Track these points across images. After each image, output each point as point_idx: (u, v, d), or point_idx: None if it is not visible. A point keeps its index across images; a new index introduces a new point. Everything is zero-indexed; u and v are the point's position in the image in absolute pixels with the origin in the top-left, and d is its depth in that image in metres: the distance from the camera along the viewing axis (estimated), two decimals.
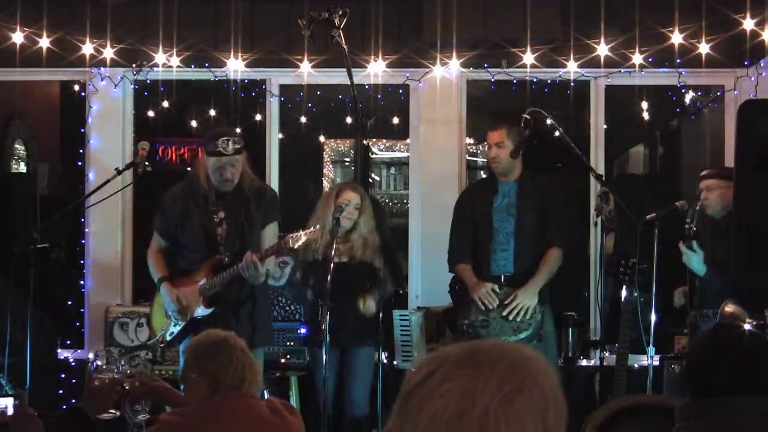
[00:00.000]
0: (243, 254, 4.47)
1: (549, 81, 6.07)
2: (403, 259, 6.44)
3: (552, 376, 1.26)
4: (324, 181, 8.83)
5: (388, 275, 5.00)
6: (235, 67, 6.01)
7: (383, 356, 5.32)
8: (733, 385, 2.20)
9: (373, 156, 8.97)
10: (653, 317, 4.66)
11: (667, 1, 5.77)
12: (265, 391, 4.33)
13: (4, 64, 6.12)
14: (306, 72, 6.02)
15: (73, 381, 5.95)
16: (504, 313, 4.84)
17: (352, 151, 8.81)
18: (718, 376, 2.23)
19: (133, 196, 6.21)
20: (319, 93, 6.30)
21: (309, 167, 8.77)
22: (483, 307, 4.87)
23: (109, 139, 6.19)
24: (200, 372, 2.89)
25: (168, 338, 4.66)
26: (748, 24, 5.75)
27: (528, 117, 4.85)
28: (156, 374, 4.50)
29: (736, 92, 5.96)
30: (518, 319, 4.83)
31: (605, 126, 6.18)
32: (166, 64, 6.02)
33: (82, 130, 6.22)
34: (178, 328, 4.62)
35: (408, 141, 6.75)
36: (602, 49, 5.86)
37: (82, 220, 6.18)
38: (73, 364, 6.09)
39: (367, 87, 5.98)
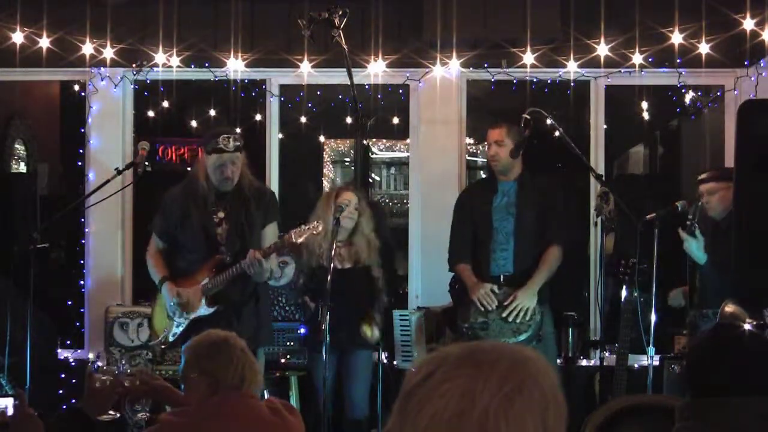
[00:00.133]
0: (244, 254, 4.47)
1: (549, 81, 6.07)
2: (402, 259, 6.46)
3: (552, 376, 1.26)
4: (324, 181, 8.83)
5: (384, 285, 5.04)
6: (235, 67, 6.01)
7: (383, 356, 5.33)
8: (733, 385, 2.20)
9: (373, 156, 8.97)
10: (653, 317, 4.66)
11: (667, 1, 5.77)
12: (265, 391, 4.33)
13: (4, 64, 6.12)
14: (306, 72, 6.02)
15: (73, 381, 5.95)
16: (503, 315, 4.84)
17: (352, 151, 8.80)
18: (718, 376, 2.23)
19: (133, 196, 6.21)
20: (319, 93, 6.31)
21: (309, 167, 8.77)
22: (482, 308, 4.87)
23: (109, 139, 6.19)
24: (200, 372, 2.89)
25: (171, 339, 4.66)
26: (748, 24, 5.75)
27: (528, 117, 4.85)
28: (156, 374, 4.50)
29: (736, 92, 5.96)
30: (518, 321, 4.83)
31: (605, 126, 6.18)
32: (166, 64, 6.02)
33: (82, 130, 6.22)
34: (181, 328, 4.62)
35: (408, 141, 6.75)
36: (602, 49, 5.86)
37: (82, 220, 6.18)
38: (73, 364, 6.09)
39: (367, 87, 5.98)
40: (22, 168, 7.67)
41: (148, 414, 3.23)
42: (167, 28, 5.96)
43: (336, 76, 5.79)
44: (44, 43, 6.00)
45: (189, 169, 5.56)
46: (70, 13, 6.04)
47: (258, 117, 6.45)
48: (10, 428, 2.61)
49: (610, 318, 5.16)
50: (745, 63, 5.89)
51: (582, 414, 2.76)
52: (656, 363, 4.77)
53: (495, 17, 5.78)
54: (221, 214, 4.61)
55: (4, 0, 6.03)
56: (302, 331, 5.38)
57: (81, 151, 6.24)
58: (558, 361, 5.50)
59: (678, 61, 5.85)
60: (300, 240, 4.40)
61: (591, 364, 5.78)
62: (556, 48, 5.91)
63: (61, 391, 5.89)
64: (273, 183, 6.21)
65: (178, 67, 6.04)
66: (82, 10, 6.00)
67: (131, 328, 5.74)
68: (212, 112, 7.40)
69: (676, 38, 5.81)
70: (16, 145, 7.62)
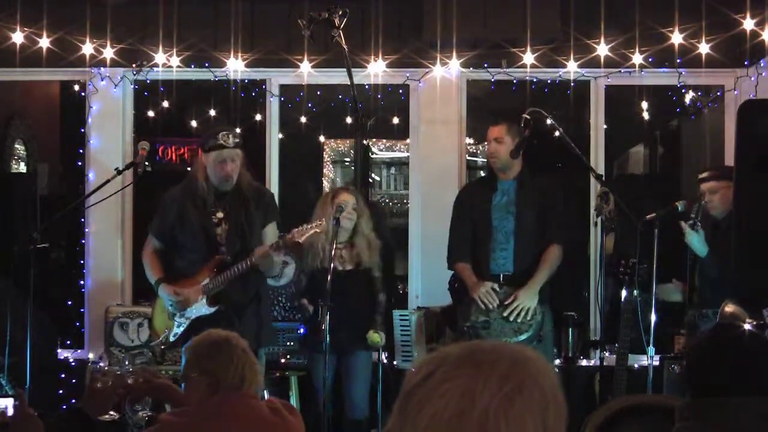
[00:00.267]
0: (244, 254, 4.48)
1: (549, 81, 6.07)
2: (402, 259, 6.46)
3: (552, 376, 1.26)
4: (324, 181, 8.83)
5: (382, 287, 5.05)
6: (235, 67, 6.01)
7: (383, 356, 5.33)
8: (733, 385, 2.20)
9: (373, 156, 8.97)
10: (653, 317, 4.66)
11: (667, 1, 5.77)
12: (265, 392, 4.34)
13: (4, 64, 6.12)
14: (306, 72, 6.02)
15: (73, 381, 5.96)
16: (505, 314, 4.83)
17: (352, 151, 8.80)
18: (718, 376, 2.23)
19: (133, 196, 6.21)
20: (319, 93, 6.31)
21: (309, 167, 8.77)
22: (483, 307, 4.87)
23: (109, 139, 6.19)
24: (201, 371, 2.88)
25: (171, 339, 4.67)
26: (748, 24, 5.75)
27: (528, 117, 4.85)
28: (161, 373, 4.51)
29: (736, 92, 5.96)
30: (519, 320, 4.83)
31: (605, 126, 6.18)
32: (166, 64, 6.02)
33: (82, 130, 6.22)
34: (182, 328, 4.62)
35: (408, 141, 6.75)
36: (602, 49, 5.86)
37: (82, 220, 6.18)
38: (73, 364, 6.09)
39: (367, 87, 5.98)
40: (22, 168, 7.66)
41: (149, 413, 3.23)
42: (167, 28, 5.96)
43: (336, 76, 5.79)
44: (44, 43, 6.00)
45: (189, 169, 5.56)
46: (70, 13, 6.04)
47: (258, 117, 6.45)
48: (10, 428, 2.61)
49: (610, 318, 5.16)
50: (745, 63, 5.89)
51: (582, 414, 2.76)
52: (656, 363, 4.77)
53: (495, 17, 5.78)
54: (220, 215, 4.61)
55: (4, 0, 6.03)
56: (302, 331, 5.39)
57: (81, 151, 6.24)
58: (558, 361, 5.50)
59: (678, 61, 5.85)
60: (302, 239, 4.40)
61: (591, 364, 5.77)
62: (556, 48, 5.91)
63: (61, 391, 5.89)
64: (273, 183, 6.21)
65: (178, 67, 6.04)
66: (82, 10, 6.00)
67: (131, 328, 5.74)
68: (212, 112, 7.40)
69: (676, 38, 5.81)
70: (16, 145, 7.62)
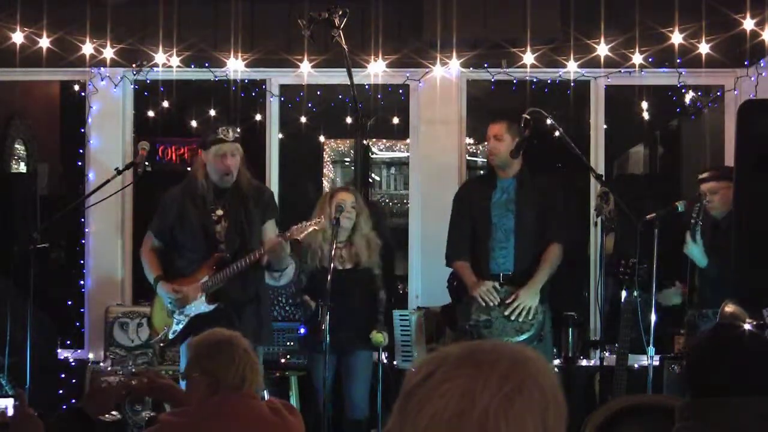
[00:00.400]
0: (242, 252, 4.49)
1: (549, 81, 6.07)
2: (402, 259, 6.46)
3: (552, 376, 1.26)
4: (324, 181, 8.83)
5: (382, 285, 5.05)
6: (235, 67, 6.01)
7: (383, 356, 5.33)
8: (733, 385, 2.20)
9: (373, 156, 8.97)
10: (653, 317, 4.66)
11: (667, 1, 5.77)
12: (265, 392, 4.34)
13: (4, 64, 6.12)
14: (306, 72, 6.02)
15: (73, 381, 5.96)
16: (506, 313, 4.83)
17: (352, 151, 8.80)
18: (718, 376, 2.23)
19: (133, 196, 6.21)
20: (319, 93, 6.31)
21: (309, 167, 8.77)
22: (483, 304, 4.86)
23: (109, 139, 6.19)
24: (201, 371, 2.88)
25: (170, 337, 4.67)
26: (748, 24, 5.75)
27: (528, 117, 4.86)
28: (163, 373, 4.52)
29: (736, 92, 5.96)
30: (520, 320, 4.82)
31: (605, 126, 6.18)
32: (166, 64, 6.02)
33: (82, 130, 6.22)
34: (181, 326, 4.62)
35: (408, 141, 6.75)
36: (602, 49, 5.86)
37: (82, 220, 6.18)
38: (73, 364, 6.09)
39: (367, 87, 5.98)
40: (22, 168, 7.66)
41: (150, 413, 3.23)
42: (167, 28, 5.96)
43: (336, 76, 5.79)
44: (44, 43, 6.00)
45: (189, 169, 5.56)
46: (70, 13, 6.04)
47: (258, 117, 6.45)
48: (10, 428, 2.61)
49: (610, 318, 5.16)
50: (745, 63, 5.89)
51: (582, 414, 2.76)
52: (656, 363, 4.77)
53: (495, 17, 5.78)
54: (220, 212, 4.62)
55: (4, 0, 6.03)
56: (302, 331, 5.39)
57: (81, 151, 6.24)
58: (558, 361, 5.50)
59: (678, 61, 5.85)
60: (301, 236, 4.41)
61: (591, 364, 5.78)
62: (556, 48, 5.91)
63: (61, 391, 5.89)
64: (273, 183, 6.21)
65: (178, 67, 6.04)
66: (82, 10, 6.00)
67: (131, 328, 5.74)
68: (212, 112, 7.40)
69: (676, 38, 5.81)
70: (16, 145, 7.62)
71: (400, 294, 6.45)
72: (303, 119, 7.18)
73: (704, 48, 5.80)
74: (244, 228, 4.60)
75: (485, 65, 5.99)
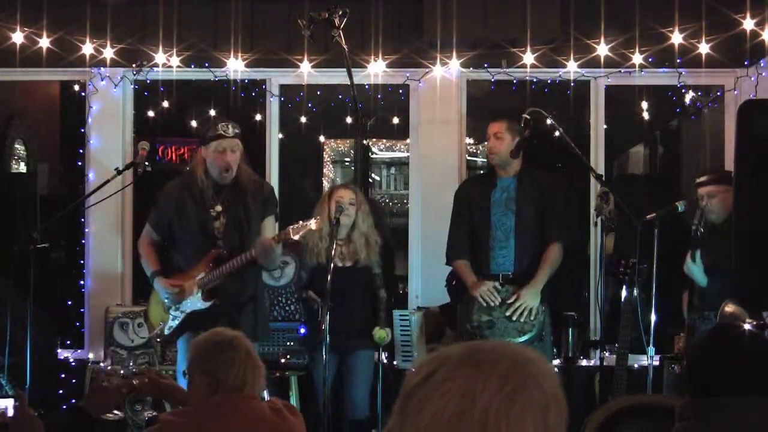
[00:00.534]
0: (241, 248, 4.49)
1: (549, 81, 6.08)
2: (402, 259, 6.46)
3: (552, 376, 1.26)
4: (324, 181, 8.83)
5: (382, 284, 5.05)
6: (235, 67, 6.01)
7: (383, 356, 5.33)
8: (733, 385, 2.20)
9: (373, 156, 8.97)
10: (653, 317, 4.66)
11: (667, 1, 5.77)
12: (265, 392, 4.35)
13: (4, 64, 6.12)
14: (306, 72, 6.02)
15: (73, 381, 5.96)
16: (508, 313, 4.83)
17: (352, 151, 8.81)
18: (718, 376, 2.23)
19: (133, 196, 6.21)
20: (319, 93, 6.31)
21: (309, 167, 8.78)
22: (484, 304, 4.86)
23: (109, 139, 6.19)
24: (202, 371, 2.88)
25: (166, 332, 4.67)
26: (748, 24, 5.75)
27: (528, 117, 4.86)
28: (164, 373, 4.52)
29: (736, 92, 5.96)
30: (522, 320, 4.82)
31: (605, 126, 6.19)
32: (166, 64, 6.02)
33: (82, 130, 6.22)
34: (177, 322, 4.62)
35: (408, 141, 6.75)
36: (602, 49, 5.86)
37: (82, 220, 6.18)
38: (73, 364, 6.09)
39: (367, 87, 5.98)
40: (22, 168, 7.67)
41: (152, 413, 3.23)
42: (167, 28, 5.96)
43: (336, 76, 5.79)
44: (44, 43, 6.00)
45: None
46: (70, 13, 6.04)
47: (258, 117, 6.45)
48: (10, 429, 2.61)
49: (610, 318, 5.16)
50: (745, 63, 5.89)
51: (582, 414, 2.76)
52: (656, 363, 4.77)
53: (495, 17, 5.78)
54: (219, 208, 4.62)
55: (4, 0, 6.03)
56: (302, 331, 5.39)
57: (81, 151, 6.24)
58: (558, 361, 5.50)
59: (678, 61, 5.85)
60: (297, 237, 4.41)
61: (591, 364, 5.78)
62: (556, 48, 5.91)
63: (61, 391, 5.89)
64: (273, 183, 6.20)
65: (178, 67, 6.04)
66: (82, 10, 6.00)
67: (131, 328, 5.74)
68: (212, 112, 7.40)
69: (676, 38, 5.81)
70: (16, 145, 7.62)
71: (400, 294, 6.45)
72: (303, 119, 7.19)
73: (704, 48, 5.80)
74: (243, 224, 4.60)
75: (485, 65, 5.99)
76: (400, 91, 6.21)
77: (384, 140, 8.99)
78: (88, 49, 6.04)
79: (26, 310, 4.78)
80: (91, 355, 6.05)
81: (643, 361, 5.07)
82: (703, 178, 5.00)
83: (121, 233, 6.19)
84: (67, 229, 7.01)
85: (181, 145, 8.02)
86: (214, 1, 6.08)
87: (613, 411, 2.69)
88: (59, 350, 6.14)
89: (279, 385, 5.45)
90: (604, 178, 5.16)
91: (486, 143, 5.21)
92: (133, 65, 6.10)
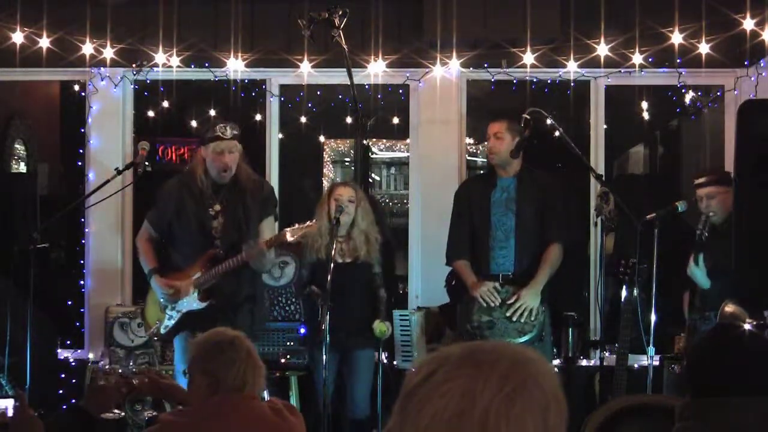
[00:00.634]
0: (238, 248, 4.49)
1: (549, 81, 6.08)
2: (402, 259, 6.46)
3: (552, 376, 1.26)
4: (324, 181, 8.83)
5: (382, 283, 5.04)
6: (235, 67, 6.01)
7: (383, 356, 5.32)
8: (733, 385, 2.20)
9: (373, 156, 8.97)
10: (653, 317, 4.66)
11: (667, 1, 5.77)
12: (265, 392, 4.35)
13: (4, 64, 6.12)
14: (306, 72, 6.02)
15: (73, 381, 5.96)
16: (508, 314, 4.83)
17: (352, 151, 8.80)
18: (718, 376, 2.23)
19: (133, 196, 6.21)
20: (319, 93, 6.31)
21: (309, 167, 8.77)
22: (485, 305, 4.86)
23: (109, 139, 6.19)
24: (202, 371, 2.88)
25: (162, 331, 4.67)
26: (748, 24, 5.75)
27: (528, 117, 4.86)
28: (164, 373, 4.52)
29: (736, 92, 5.97)
30: (522, 320, 4.82)
31: (605, 126, 6.19)
32: (166, 64, 6.02)
33: (82, 130, 6.23)
34: (173, 322, 4.63)
35: (408, 141, 6.75)
36: (602, 49, 5.86)
37: (82, 220, 6.18)
38: (73, 364, 6.09)
39: (367, 87, 5.98)
40: (22, 168, 7.66)
41: (152, 413, 3.23)
42: (167, 28, 5.96)
43: (336, 76, 5.79)
44: (44, 43, 6.00)
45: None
46: (70, 13, 6.04)
47: (258, 117, 6.45)
48: (10, 429, 2.61)
49: (610, 318, 5.16)
50: (745, 63, 5.89)
51: (582, 414, 2.76)
52: (656, 363, 4.77)
53: (495, 17, 5.78)
54: (218, 207, 4.62)
55: (4, 0, 6.03)
56: (302, 331, 5.39)
57: (81, 151, 6.24)
58: (558, 361, 5.50)
59: (678, 61, 5.85)
60: (293, 239, 4.41)
61: (591, 364, 5.78)
62: (556, 48, 5.91)
63: (61, 391, 5.89)
64: (273, 183, 6.20)
65: (178, 67, 6.04)
66: (82, 10, 6.00)
67: (131, 328, 5.74)
68: (212, 112, 7.40)
69: (676, 38, 5.81)
70: (16, 145, 7.62)
71: (400, 294, 6.45)
72: (303, 119, 7.18)
73: (704, 48, 5.80)
74: (241, 224, 4.60)
75: (485, 65, 5.99)
76: (400, 91, 6.21)
77: (384, 140, 8.99)
78: (88, 49, 6.04)
79: (26, 310, 4.79)
80: (91, 355, 6.05)
81: (643, 361, 5.07)
82: (702, 180, 4.99)
83: (121, 233, 6.19)
84: (67, 229, 7.01)
85: (181, 145, 8.02)
86: (214, 1, 6.08)
87: (613, 411, 2.69)
88: (59, 350, 6.14)
89: (279, 385, 5.45)
90: (604, 178, 5.16)
91: (486, 143, 5.21)
92: (133, 65, 6.10)
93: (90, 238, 6.19)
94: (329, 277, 4.44)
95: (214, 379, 2.84)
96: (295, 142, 7.35)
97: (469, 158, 7.64)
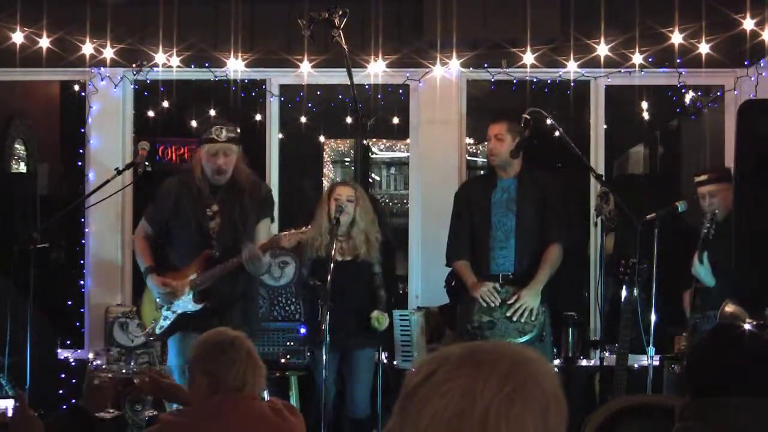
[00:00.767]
0: (234, 249, 4.49)
1: (549, 81, 6.08)
2: (402, 259, 6.46)
3: (552, 376, 1.26)
4: (324, 181, 8.83)
5: (382, 283, 5.04)
6: (235, 67, 6.01)
7: (383, 356, 5.33)
8: (733, 385, 2.20)
9: (373, 156, 8.97)
10: (653, 317, 4.66)
11: (667, 1, 5.77)
12: (265, 392, 4.35)
13: (4, 64, 6.12)
14: (306, 72, 6.02)
15: (73, 381, 5.96)
16: (508, 314, 4.83)
17: (352, 151, 8.80)
18: (718, 376, 2.23)
19: (133, 196, 6.21)
20: (319, 93, 6.31)
21: (309, 167, 8.77)
22: (485, 305, 4.86)
23: (109, 139, 6.19)
24: (203, 371, 2.88)
25: (158, 332, 4.67)
26: (748, 24, 5.75)
27: (528, 117, 4.86)
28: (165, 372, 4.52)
29: (736, 92, 5.96)
30: (522, 320, 4.82)
31: (605, 126, 6.19)
32: (166, 64, 6.02)
33: (82, 130, 6.23)
34: (168, 322, 4.63)
35: (408, 141, 6.75)
36: (602, 49, 5.86)
37: (82, 220, 6.19)
38: (73, 364, 6.09)
39: (367, 87, 5.98)
40: (22, 168, 7.66)
41: (152, 412, 3.24)
42: (167, 28, 5.96)
43: (336, 76, 5.79)
44: (44, 43, 6.00)
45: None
46: (70, 13, 6.04)
47: (258, 117, 6.45)
48: (10, 429, 2.61)
49: (610, 318, 5.16)
50: (745, 63, 5.89)
51: (582, 414, 2.75)
52: (656, 363, 4.77)
53: (495, 17, 5.78)
54: (215, 208, 4.62)
55: (4, 0, 6.03)
56: (302, 331, 5.39)
57: (81, 151, 6.24)
58: (558, 361, 5.50)
59: (678, 61, 5.85)
60: (287, 244, 4.41)
61: (591, 364, 5.78)
62: (556, 48, 5.91)
63: (61, 391, 5.89)
64: (273, 183, 6.21)
65: (178, 67, 6.04)
66: (82, 10, 6.00)
67: (131, 328, 5.74)
68: (212, 112, 7.40)
69: (676, 38, 5.81)
70: (16, 145, 7.62)
71: (400, 294, 6.45)
72: (303, 119, 7.18)
73: (704, 48, 5.80)
74: (238, 225, 4.59)
75: (485, 65, 5.99)
76: (400, 91, 6.21)
77: (384, 140, 8.99)
78: (88, 49, 6.04)
79: (26, 310, 4.79)
80: (91, 355, 6.05)
81: (643, 361, 5.07)
82: (703, 177, 5.00)
83: (121, 233, 6.19)
84: (67, 229, 7.01)
85: (181, 145, 8.02)
86: (214, 1, 6.08)
87: (613, 411, 2.69)
88: (59, 350, 6.14)
89: (279, 385, 5.45)
90: (604, 178, 5.16)
91: (486, 144, 5.21)
92: (133, 65, 6.10)
93: (90, 238, 6.19)
94: (329, 277, 4.44)
95: (214, 379, 2.84)
96: (295, 142, 7.35)
97: (469, 158, 7.64)
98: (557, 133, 5.08)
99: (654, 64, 5.89)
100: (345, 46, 4.65)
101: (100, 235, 6.19)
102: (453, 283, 5.31)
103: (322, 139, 8.75)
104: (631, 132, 7.83)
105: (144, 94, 6.42)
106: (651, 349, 4.64)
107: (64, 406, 5.39)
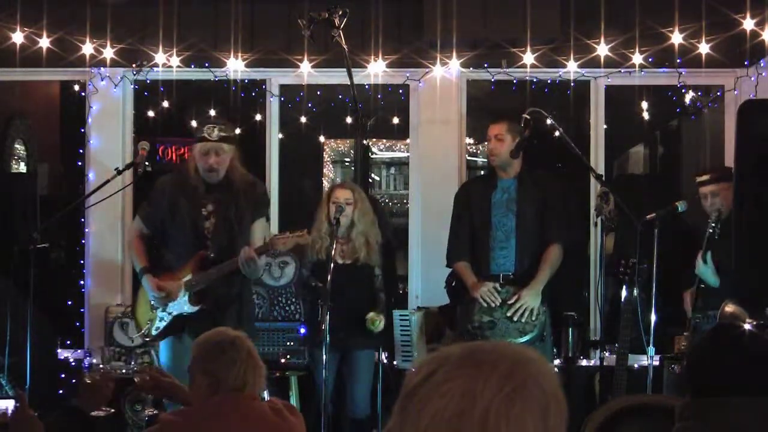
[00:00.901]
0: (229, 250, 4.47)
1: (549, 81, 6.07)
2: (402, 259, 6.46)
3: (552, 376, 1.26)
4: (324, 181, 8.83)
5: (382, 287, 5.04)
6: (235, 67, 6.01)
7: (383, 356, 5.33)
8: (733, 385, 2.20)
9: (373, 156, 8.97)
10: (653, 317, 4.66)
11: (667, 1, 5.77)
12: (265, 392, 4.35)
13: (4, 64, 6.12)
14: (306, 72, 6.02)
15: (73, 381, 5.95)
16: (509, 314, 4.83)
17: (352, 151, 8.80)
18: (718, 376, 2.22)
19: (133, 196, 6.21)
20: (319, 93, 6.30)
21: (309, 167, 8.77)
22: (485, 305, 4.86)
23: (109, 139, 6.19)
24: (203, 371, 2.88)
25: (153, 333, 4.66)
26: (748, 24, 5.75)
27: (528, 117, 4.86)
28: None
29: (736, 92, 5.96)
30: (523, 320, 4.82)
31: (605, 126, 6.19)
32: (166, 64, 6.02)
33: (82, 130, 6.23)
34: (163, 323, 4.61)
35: (408, 141, 6.75)
36: (602, 49, 5.86)
37: (82, 220, 6.18)
38: (73, 364, 6.09)
39: (367, 87, 5.98)
40: (22, 168, 7.66)
41: (152, 411, 3.24)
42: (167, 28, 5.96)
43: (336, 76, 5.79)
44: (44, 43, 6.00)
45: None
46: (70, 13, 6.04)
47: (258, 117, 6.45)
48: (10, 429, 2.61)
49: (610, 318, 5.16)
50: (745, 63, 5.89)
51: (582, 414, 2.75)
52: (656, 363, 4.77)
53: (495, 17, 5.78)
54: (210, 207, 4.60)
55: (4, 0, 6.03)
56: (302, 331, 5.38)
57: (81, 151, 6.24)
58: (558, 361, 5.50)
59: (678, 61, 5.85)
60: (283, 248, 4.39)
61: (591, 364, 5.78)
62: (556, 48, 5.91)
63: (61, 391, 5.89)
64: (273, 183, 6.21)
65: (178, 67, 6.04)
66: (82, 10, 6.00)
67: (131, 328, 5.74)
68: (212, 112, 7.39)
69: (676, 38, 5.81)
70: (16, 145, 7.62)
71: (400, 294, 6.45)
72: (303, 119, 7.18)
73: (704, 48, 5.80)
74: (233, 225, 4.57)
75: (485, 65, 5.99)
76: (400, 91, 6.21)
77: (384, 140, 8.98)
78: (88, 49, 6.04)
79: (26, 310, 4.78)
80: (80, 354, 6.05)
81: (643, 361, 5.07)
82: (704, 177, 4.99)
83: (121, 233, 6.19)
84: (67, 229, 7.00)
85: (181, 145, 8.01)
86: (214, 1, 6.08)
87: (613, 411, 2.69)
88: (59, 350, 6.14)
89: (279, 385, 5.44)
90: (604, 178, 5.16)
91: (486, 144, 5.21)
92: (133, 65, 6.10)
93: (90, 238, 6.19)
94: (329, 278, 4.44)
95: (214, 379, 2.85)
96: (295, 142, 7.35)
97: (469, 158, 7.63)
98: (557, 133, 5.08)
99: (654, 64, 5.89)
100: (345, 46, 4.65)
101: (100, 235, 6.19)
102: (453, 284, 5.31)
103: (322, 139, 8.74)
104: (631, 132, 7.83)
105: (144, 94, 6.41)
106: (651, 349, 4.64)
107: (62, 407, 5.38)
